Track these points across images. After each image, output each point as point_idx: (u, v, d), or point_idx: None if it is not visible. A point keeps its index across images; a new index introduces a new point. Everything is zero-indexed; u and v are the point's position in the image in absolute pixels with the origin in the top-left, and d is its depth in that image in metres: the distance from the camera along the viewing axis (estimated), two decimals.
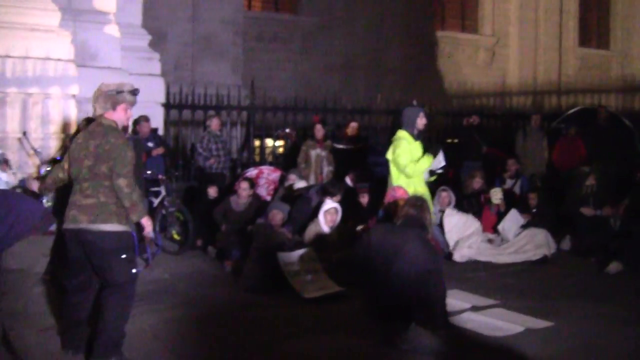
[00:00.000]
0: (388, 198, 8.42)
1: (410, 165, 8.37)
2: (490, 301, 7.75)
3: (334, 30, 21.72)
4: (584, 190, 11.40)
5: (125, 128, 5.49)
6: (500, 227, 10.45)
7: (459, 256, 9.88)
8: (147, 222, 5.49)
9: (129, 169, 5.29)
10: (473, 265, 9.71)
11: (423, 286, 6.00)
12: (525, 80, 25.81)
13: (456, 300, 7.57)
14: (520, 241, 10.20)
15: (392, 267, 6.00)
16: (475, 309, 7.41)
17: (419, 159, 8.46)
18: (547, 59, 26.86)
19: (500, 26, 26.53)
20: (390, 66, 22.24)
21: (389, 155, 8.57)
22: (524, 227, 10.49)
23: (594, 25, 29.77)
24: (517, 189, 12.24)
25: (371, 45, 21.97)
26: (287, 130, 14.06)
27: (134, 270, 5.44)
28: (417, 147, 8.55)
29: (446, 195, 10.70)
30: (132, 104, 5.63)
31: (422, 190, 8.48)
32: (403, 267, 5.96)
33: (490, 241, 10.33)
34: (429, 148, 8.66)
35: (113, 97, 5.48)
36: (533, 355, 5.98)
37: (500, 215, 10.66)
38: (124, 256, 5.33)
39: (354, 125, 13.33)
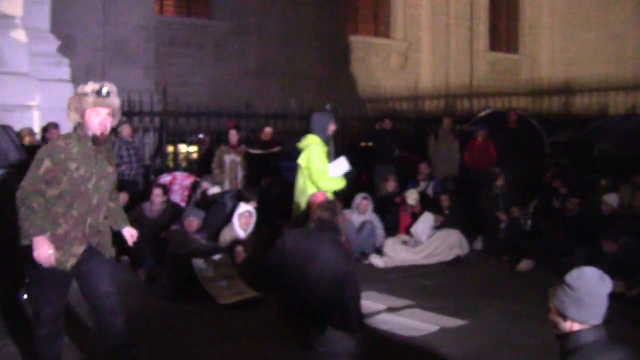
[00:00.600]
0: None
1: (323, 176, 8.13)
2: (406, 302, 7.83)
3: (248, 35, 21.64)
4: (494, 191, 11.64)
5: (98, 138, 4.84)
6: (413, 229, 10.55)
7: (376, 260, 9.97)
8: (38, 245, 4.55)
9: (25, 181, 4.65)
10: (387, 268, 9.81)
11: (338, 289, 6.01)
12: (438, 84, 26.21)
13: (372, 302, 7.63)
14: (434, 243, 10.34)
15: (307, 271, 5.99)
16: (391, 310, 7.48)
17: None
18: (459, 64, 27.35)
19: (413, 31, 26.88)
20: (304, 71, 22.25)
21: (302, 161, 8.41)
22: (438, 228, 10.63)
23: (504, 30, 30.50)
24: (429, 192, 12.43)
25: (285, 50, 21.95)
26: (201, 136, 13.95)
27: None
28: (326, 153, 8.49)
29: (367, 203, 10.74)
30: (104, 105, 4.90)
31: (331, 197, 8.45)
32: (318, 271, 5.96)
33: (405, 243, 10.43)
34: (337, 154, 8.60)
35: (75, 101, 4.87)
36: (447, 354, 6.07)
37: (416, 217, 10.79)
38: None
39: (268, 130, 13.32)
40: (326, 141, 8.36)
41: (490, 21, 29.32)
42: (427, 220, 10.63)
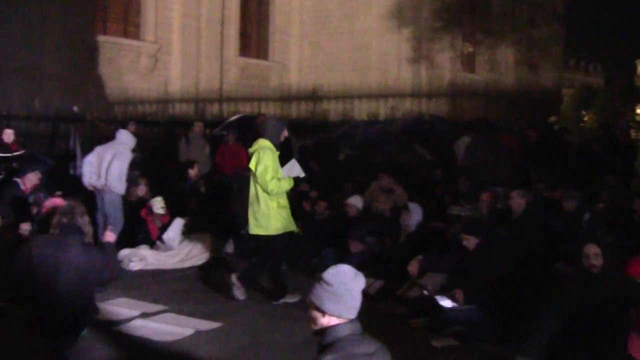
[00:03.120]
0: (46, 207, 8.04)
1: (274, 182, 7.90)
2: (160, 307, 7.72)
3: None
4: (245, 195, 11.75)
5: None
6: (165, 236, 10.42)
7: (130, 265, 9.75)
8: None
9: None
10: (141, 273, 9.61)
11: (89, 292, 5.81)
12: (188, 87, 26.13)
13: (125, 308, 7.45)
14: (186, 248, 10.28)
15: (55, 278, 5.70)
16: (144, 315, 7.34)
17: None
18: (209, 68, 27.43)
19: (163, 33, 26.57)
20: (49, 70, 21.28)
21: (252, 165, 7.99)
22: (189, 232, 10.56)
23: (254, 36, 31.03)
24: None
25: (29, 47, 20.84)
26: None
27: None
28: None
29: None
30: None
31: (284, 202, 8.16)
32: (67, 277, 5.70)
33: (156, 249, 10.27)
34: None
35: None
36: (202, 356, 6.07)
37: (164, 226, 10.63)
38: None
39: (9, 132, 12.55)
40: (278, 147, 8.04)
41: (241, 27, 29.71)
42: (177, 226, 10.53)
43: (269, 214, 7.97)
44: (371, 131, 17.55)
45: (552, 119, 20.23)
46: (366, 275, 8.17)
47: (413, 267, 7.99)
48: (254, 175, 7.99)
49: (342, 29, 29.98)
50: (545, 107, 38.12)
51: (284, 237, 8.23)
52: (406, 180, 11.82)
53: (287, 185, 8.08)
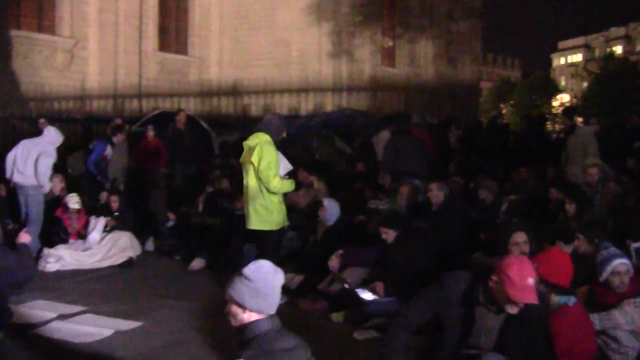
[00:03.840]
0: None
1: (277, 179, 7.64)
2: (78, 308, 7.58)
3: None
4: (165, 192, 11.66)
5: None
6: (90, 237, 10.23)
7: (47, 266, 9.53)
8: None
9: None
10: (58, 274, 9.43)
11: (2, 295, 5.67)
12: (106, 83, 25.69)
13: (42, 310, 7.29)
14: (105, 246, 10.13)
15: None
16: (62, 317, 7.19)
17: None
18: (128, 63, 27.00)
19: (80, 28, 26.03)
20: None
21: (255, 159, 7.64)
22: (108, 231, 10.40)
23: (173, 31, 30.66)
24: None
25: None
26: None
27: None
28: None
29: None
30: None
31: (276, 199, 7.95)
32: None
33: (74, 248, 10.08)
34: None
35: None
36: (122, 356, 5.98)
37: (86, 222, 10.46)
38: None
39: None
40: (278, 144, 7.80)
41: (159, 21, 29.35)
42: (97, 224, 10.36)
43: (272, 208, 7.84)
44: (292, 126, 17.56)
45: (496, 113, 20.66)
46: (287, 271, 8.30)
47: (334, 262, 8.03)
48: (255, 169, 7.70)
49: (262, 24, 29.90)
50: (465, 100, 38.88)
51: (281, 232, 8.17)
52: (327, 174, 11.87)
53: (289, 186, 7.94)
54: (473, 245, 8.21)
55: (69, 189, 11.17)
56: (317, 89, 26.29)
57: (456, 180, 10.88)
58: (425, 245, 7.64)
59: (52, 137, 10.16)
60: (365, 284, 7.50)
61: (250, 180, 7.84)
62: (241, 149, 8.08)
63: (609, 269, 5.78)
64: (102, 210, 10.87)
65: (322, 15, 28.65)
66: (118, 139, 12.70)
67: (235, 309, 3.49)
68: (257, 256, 8.05)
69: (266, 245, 8.01)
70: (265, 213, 7.83)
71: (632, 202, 9.09)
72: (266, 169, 7.58)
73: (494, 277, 4.32)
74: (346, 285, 7.52)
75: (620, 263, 5.79)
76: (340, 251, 8.12)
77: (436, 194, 8.89)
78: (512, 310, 4.32)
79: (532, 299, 4.23)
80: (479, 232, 8.62)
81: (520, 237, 6.41)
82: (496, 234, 8.09)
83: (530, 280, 4.23)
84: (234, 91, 26.93)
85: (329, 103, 26.40)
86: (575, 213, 8.34)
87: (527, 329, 4.56)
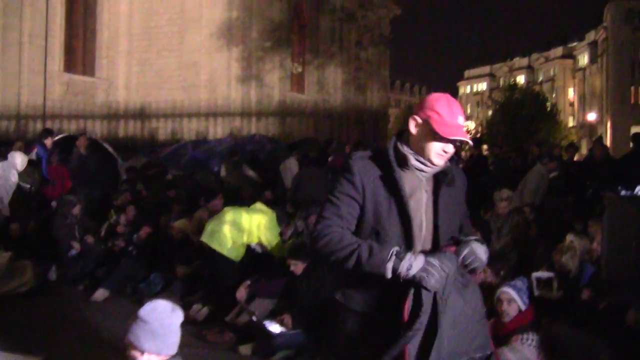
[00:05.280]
0: None
1: None
2: None
3: None
4: (69, 219, 11.35)
5: None
6: None
7: None
8: None
9: None
10: None
11: None
12: (8, 103, 24.86)
13: None
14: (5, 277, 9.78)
15: None
16: None
17: None
18: (32, 83, 26.20)
19: None
20: None
21: None
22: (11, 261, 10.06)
23: (80, 51, 29.97)
24: None
25: None
26: None
27: None
28: None
29: None
30: None
31: None
32: None
33: None
34: None
35: None
36: None
37: None
38: None
39: None
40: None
41: (66, 41, 28.66)
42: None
43: None
44: (200, 151, 17.45)
45: None
46: (193, 301, 8.21)
47: (241, 293, 7.99)
48: None
49: (171, 46, 29.65)
50: (373, 127, 39.42)
51: None
52: (234, 202, 11.81)
53: None
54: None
55: None
56: (226, 113, 26.21)
57: None
58: (332, 276, 7.66)
59: (16, 162, 10.04)
60: (273, 316, 7.46)
61: None
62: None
63: (495, 297, 5.95)
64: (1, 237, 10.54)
65: (232, 40, 28.63)
66: (49, 142, 12.71)
67: (133, 352, 3.37)
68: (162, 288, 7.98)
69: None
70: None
71: (534, 232, 9.35)
72: None
73: (417, 118, 3.42)
74: (254, 318, 7.47)
75: (503, 292, 5.95)
76: (248, 282, 8.08)
77: None
78: (439, 159, 3.41)
79: (464, 135, 3.41)
80: None
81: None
82: None
83: (461, 119, 3.43)
84: (142, 114, 26.56)
85: (238, 128, 26.33)
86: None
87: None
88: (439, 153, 3.41)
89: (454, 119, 3.40)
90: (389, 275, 3.14)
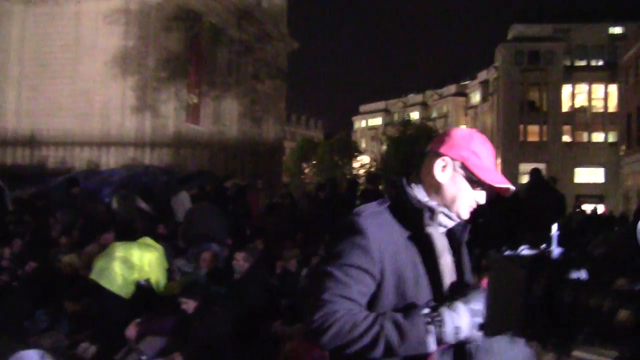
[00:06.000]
0: None
1: None
2: None
3: None
4: None
5: None
6: None
7: None
8: None
9: None
10: None
11: None
12: None
13: None
14: None
15: None
16: None
17: None
18: None
19: None
20: None
21: None
22: None
23: None
24: None
25: None
26: None
27: None
28: None
29: None
30: None
31: None
32: None
33: None
34: None
35: None
36: None
37: None
38: None
39: None
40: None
41: None
42: None
43: None
44: (91, 181, 17.10)
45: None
46: (81, 340, 8.00)
47: (131, 331, 7.82)
48: None
49: (64, 73, 28.98)
50: (268, 159, 39.51)
51: None
52: (126, 235, 11.58)
53: None
54: (274, 312, 8.29)
55: None
56: (119, 143, 25.79)
57: (256, 245, 10.96)
58: (225, 315, 7.61)
59: None
60: (164, 355, 7.35)
61: None
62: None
63: None
64: None
65: (127, 69, 28.25)
66: None
67: None
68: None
69: None
70: None
71: None
72: None
73: (447, 160, 2.67)
74: (143, 357, 7.33)
75: None
76: (138, 320, 7.93)
77: (241, 264, 8.90)
78: (468, 212, 2.73)
79: (508, 181, 2.66)
80: (280, 299, 8.72)
81: None
82: (298, 300, 8.25)
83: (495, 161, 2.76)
84: (31, 142, 25.82)
85: (132, 158, 25.91)
86: None
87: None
88: (471, 205, 2.72)
89: (493, 161, 2.71)
90: (434, 348, 2.43)
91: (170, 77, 29.84)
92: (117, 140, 26.01)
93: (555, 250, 1.98)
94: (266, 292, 8.82)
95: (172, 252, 10.17)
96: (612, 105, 61.69)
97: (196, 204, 12.34)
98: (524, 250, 2.07)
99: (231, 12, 34.74)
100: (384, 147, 67.07)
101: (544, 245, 2.01)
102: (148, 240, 9.42)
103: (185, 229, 11.55)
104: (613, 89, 60.54)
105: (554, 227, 2.00)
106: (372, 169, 61.30)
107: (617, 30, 63.68)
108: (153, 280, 8.88)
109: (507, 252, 2.12)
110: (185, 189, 13.31)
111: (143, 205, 15.00)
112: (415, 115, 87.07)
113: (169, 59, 29.80)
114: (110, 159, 24.88)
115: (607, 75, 62.00)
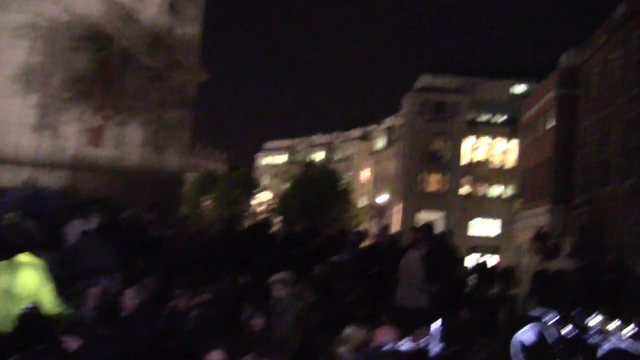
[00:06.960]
0: None
1: None
2: None
3: None
4: None
5: None
6: None
7: None
8: None
9: None
10: None
11: None
12: None
13: None
14: None
15: None
16: None
17: None
18: None
19: None
20: None
21: None
22: None
23: None
24: None
25: None
26: None
27: None
28: None
29: None
30: None
31: None
32: None
33: None
34: None
35: None
36: None
37: None
38: None
39: None
40: None
41: None
42: None
43: None
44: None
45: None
46: None
47: None
48: None
49: None
50: (167, 190, 38.88)
51: None
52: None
53: None
54: (160, 354, 8.08)
55: None
56: (15, 162, 24.95)
57: (148, 282, 10.68)
58: (110, 354, 7.37)
59: None
60: None
61: None
62: None
63: None
64: None
65: (29, 86, 27.53)
66: None
67: None
68: None
69: None
70: None
71: (317, 318, 9.43)
72: None
73: None
74: None
75: None
76: (17, 356, 7.55)
77: (129, 299, 8.69)
78: None
79: None
80: (167, 340, 8.51)
81: (216, 355, 6.50)
82: (184, 342, 8.08)
83: None
84: None
85: (27, 178, 25.05)
86: (263, 327, 8.53)
87: None
88: None
89: None
90: None
91: (74, 97, 29.19)
92: (12, 158, 25.16)
93: (435, 348, 2.00)
94: (153, 331, 8.61)
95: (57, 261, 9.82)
96: (511, 160, 63.44)
97: (86, 235, 11.93)
98: (404, 345, 2.08)
99: (143, 38, 34.30)
100: (286, 186, 67.21)
101: (422, 341, 2.03)
102: (24, 257, 8.69)
103: (72, 261, 11.12)
104: (513, 144, 62.31)
105: (437, 323, 2.01)
106: (273, 207, 61.16)
107: (520, 88, 65.87)
108: (42, 304, 8.30)
109: (387, 347, 2.14)
110: (78, 217, 12.82)
111: (33, 228, 14.45)
112: (320, 155, 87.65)
113: (75, 79, 29.18)
114: (4, 178, 23.98)
115: (508, 131, 63.92)
